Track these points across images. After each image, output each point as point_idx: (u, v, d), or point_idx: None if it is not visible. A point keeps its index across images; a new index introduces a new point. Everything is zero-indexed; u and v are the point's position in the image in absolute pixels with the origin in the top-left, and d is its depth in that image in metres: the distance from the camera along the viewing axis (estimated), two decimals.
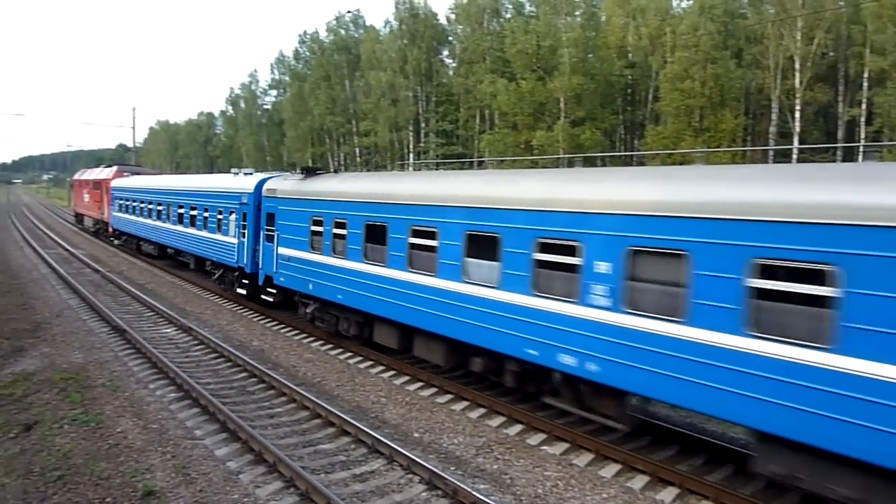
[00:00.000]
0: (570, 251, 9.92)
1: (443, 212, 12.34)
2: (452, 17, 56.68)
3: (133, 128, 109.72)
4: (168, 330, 18.43)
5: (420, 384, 13.74)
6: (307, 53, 71.67)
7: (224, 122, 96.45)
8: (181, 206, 26.56)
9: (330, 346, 16.80)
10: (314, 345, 16.99)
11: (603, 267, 9.43)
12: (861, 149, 22.03)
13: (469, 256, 11.75)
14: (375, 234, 14.17)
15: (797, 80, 36.21)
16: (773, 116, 38.25)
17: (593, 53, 43.27)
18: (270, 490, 8.95)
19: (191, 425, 11.21)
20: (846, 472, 7.18)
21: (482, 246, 11.49)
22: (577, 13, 44.30)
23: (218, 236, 22.51)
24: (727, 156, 31.96)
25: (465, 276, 11.77)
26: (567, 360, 9.94)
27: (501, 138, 44.12)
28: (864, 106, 35.42)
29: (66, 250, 36.59)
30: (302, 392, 12.52)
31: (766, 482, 8.81)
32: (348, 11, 74.01)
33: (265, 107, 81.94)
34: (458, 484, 8.80)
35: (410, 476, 9.41)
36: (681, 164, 19.72)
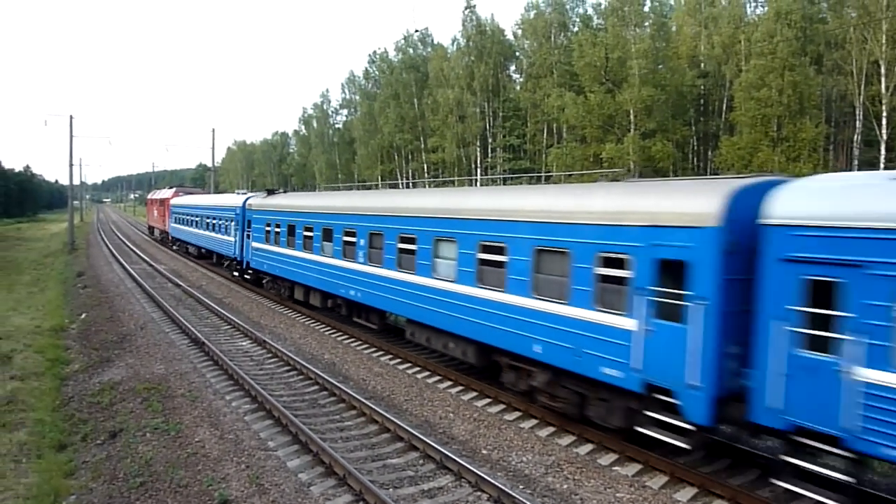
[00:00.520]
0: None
1: (318, 217, 20.95)
2: (519, 32, 56.95)
3: (212, 148, 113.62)
4: (244, 343, 19.03)
5: (488, 400, 13.65)
6: (377, 73, 73.16)
7: (297, 141, 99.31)
8: (207, 218, 35.85)
9: (399, 360, 16.95)
10: (383, 359, 17.16)
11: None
12: None
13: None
14: (293, 231, 22.82)
15: (883, 86, 34.38)
16: (858, 124, 36.40)
17: (664, 64, 42.51)
18: (340, 503, 9.05)
19: (264, 436, 11.50)
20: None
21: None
22: (647, 24, 43.52)
23: (224, 237, 32.09)
24: (808, 166, 30.56)
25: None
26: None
27: (569, 151, 43.74)
28: None
29: (151, 266, 38.49)
30: (371, 405, 12.66)
31: None
32: (416, 30, 75.51)
33: (337, 126, 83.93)
34: (527, 503, 8.66)
35: (479, 493, 9.33)
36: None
